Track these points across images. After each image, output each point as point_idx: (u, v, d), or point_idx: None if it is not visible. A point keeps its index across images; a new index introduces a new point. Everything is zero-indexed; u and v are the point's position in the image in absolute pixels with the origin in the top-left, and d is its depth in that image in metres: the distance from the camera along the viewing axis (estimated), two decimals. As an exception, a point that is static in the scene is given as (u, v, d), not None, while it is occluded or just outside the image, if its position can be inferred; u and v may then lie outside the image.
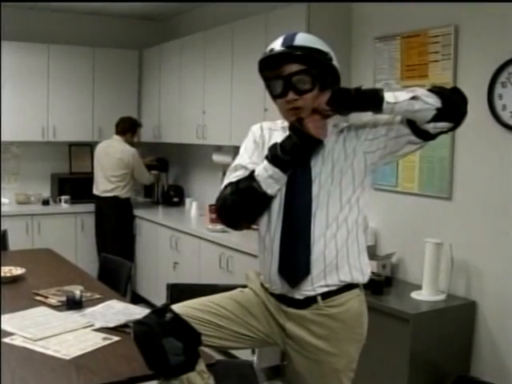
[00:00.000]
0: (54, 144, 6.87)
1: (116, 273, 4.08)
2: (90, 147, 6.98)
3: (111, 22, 7.20)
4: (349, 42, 4.56)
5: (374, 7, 4.38)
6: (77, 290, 3.29)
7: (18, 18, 6.59)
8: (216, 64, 5.52)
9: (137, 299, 6.25)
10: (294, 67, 2.20)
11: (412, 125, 2.22)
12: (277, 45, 2.25)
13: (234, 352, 4.21)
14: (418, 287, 3.85)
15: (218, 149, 5.81)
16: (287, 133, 2.30)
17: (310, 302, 2.29)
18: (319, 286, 2.27)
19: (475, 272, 3.74)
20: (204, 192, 6.44)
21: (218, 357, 2.72)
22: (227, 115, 5.34)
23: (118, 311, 3.17)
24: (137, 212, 6.47)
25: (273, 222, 2.33)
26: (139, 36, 7.29)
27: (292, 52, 2.22)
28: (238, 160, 2.42)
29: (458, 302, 3.73)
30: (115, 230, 6.30)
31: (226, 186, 2.36)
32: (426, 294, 3.75)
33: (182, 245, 5.50)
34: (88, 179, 6.54)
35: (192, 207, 6.08)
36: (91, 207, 6.49)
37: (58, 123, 6.68)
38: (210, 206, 5.59)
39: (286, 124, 2.38)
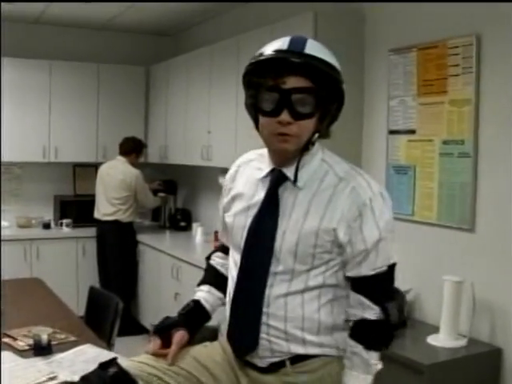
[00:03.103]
0: (58, 165, 6.57)
1: (103, 308, 3.74)
2: (94, 168, 6.64)
3: (116, 37, 6.91)
4: (361, 54, 4.17)
5: (388, 16, 3.99)
6: (44, 334, 2.92)
7: (18, 33, 6.30)
8: (221, 80, 5.19)
9: (140, 329, 5.92)
10: (299, 82, 1.73)
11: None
12: (279, 47, 1.77)
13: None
14: (436, 329, 3.41)
15: (225, 171, 5.40)
16: (260, 166, 1.96)
17: (276, 366, 1.89)
18: (280, 354, 1.88)
19: (501, 314, 3.29)
20: (211, 216, 6.06)
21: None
22: (232, 135, 4.98)
23: (90, 358, 2.80)
24: (141, 237, 6.13)
25: (235, 268, 1.96)
26: (146, 52, 6.98)
27: (305, 61, 1.73)
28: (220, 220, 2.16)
29: (480, 350, 3.27)
30: (117, 256, 5.98)
31: (215, 250, 2.26)
32: (443, 339, 3.31)
33: (183, 274, 5.13)
34: (92, 202, 6.23)
35: (197, 233, 5.71)
36: (93, 231, 6.18)
37: (60, 143, 6.38)
38: (215, 232, 5.22)
39: (263, 152, 1.97)
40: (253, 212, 1.91)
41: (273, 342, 1.86)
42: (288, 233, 1.83)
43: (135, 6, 5.73)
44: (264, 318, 1.85)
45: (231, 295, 1.94)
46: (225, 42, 5.17)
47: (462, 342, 3.28)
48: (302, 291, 1.84)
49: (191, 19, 6.33)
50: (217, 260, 2.20)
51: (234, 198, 2.01)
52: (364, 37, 4.17)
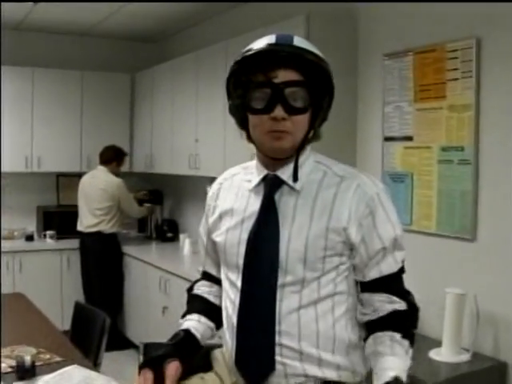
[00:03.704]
0: (41, 175, 6.39)
1: (90, 325, 3.58)
2: (78, 178, 6.44)
3: (100, 44, 6.73)
4: (354, 59, 4.05)
5: (382, 20, 3.87)
6: (27, 355, 2.75)
7: (-1, 40, 6.11)
8: (209, 86, 5.04)
9: (127, 343, 5.76)
10: (291, 75, 1.65)
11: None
12: (266, 42, 1.69)
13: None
14: (438, 343, 3.27)
15: (213, 180, 5.26)
16: (248, 177, 1.82)
17: None
18: (294, 379, 1.71)
19: (505, 327, 3.16)
20: (199, 227, 5.90)
21: None
22: (221, 143, 4.83)
23: (77, 382, 2.63)
24: (127, 249, 5.94)
25: (235, 285, 1.78)
26: (131, 58, 6.82)
27: (297, 52, 1.65)
28: (200, 244, 2.06)
29: (485, 364, 3.13)
30: (100, 268, 5.80)
31: (197, 280, 2.08)
32: (446, 354, 3.17)
33: (172, 287, 4.96)
34: (76, 212, 6.03)
35: (185, 244, 5.55)
36: (78, 243, 5.98)
37: (43, 152, 6.19)
38: (204, 243, 5.07)
39: (247, 164, 1.87)
40: (248, 225, 1.76)
41: (287, 365, 1.69)
42: (294, 239, 1.69)
43: (119, 12, 5.59)
44: (276, 338, 1.69)
45: (234, 320, 1.76)
46: (212, 47, 5.03)
47: (466, 357, 3.15)
48: (315, 302, 1.69)
49: (177, 25, 6.18)
50: (202, 289, 2.02)
51: (221, 216, 1.86)
52: (358, 41, 4.05)
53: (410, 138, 3.65)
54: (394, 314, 1.73)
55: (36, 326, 3.60)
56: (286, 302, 1.69)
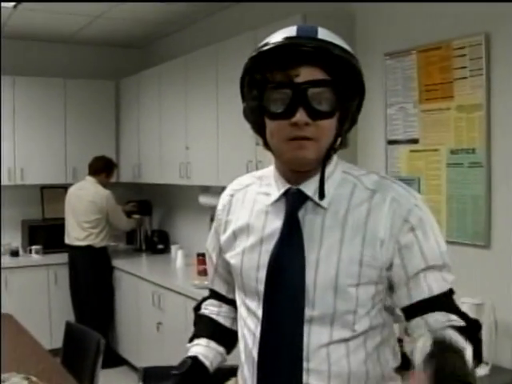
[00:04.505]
0: (24, 187, 6.17)
1: (83, 347, 3.38)
2: (64, 190, 6.22)
3: (83, 51, 6.54)
4: (353, 60, 3.87)
5: (381, 18, 3.71)
6: (19, 386, 2.56)
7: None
8: (199, 92, 4.86)
9: (119, 360, 5.56)
10: (315, 73, 1.42)
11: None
12: (286, 35, 1.45)
13: None
14: (453, 356, 3.11)
15: (206, 189, 5.11)
16: (265, 190, 1.61)
17: None
18: None
19: (525, 338, 3.01)
20: (191, 237, 5.73)
21: None
22: (213, 151, 4.66)
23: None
24: (116, 262, 5.74)
25: (255, 314, 1.57)
26: (115, 65, 6.63)
27: (321, 47, 1.41)
28: (208, 260, 1.84)
29: (505, 378, 2.97)
30: (90, 283, 5.60)
31: (204, 298, 1.86)
32: (464, 368, 3.01)
33: (166, 302, 4.76)
34: (63, 226, 5.83)
35: (178, 256, 5.35)
36: (65, 257, 5.78)
37: (26, 164, 5.99)
38: (198, 255, 4.88)
39: (262, 173, 1.66)
40: (268, 246, 1.53)
41: None
42: (322, 264, 1.47)
43: (102, 17, 5.40)
44: (304, 377, 1.47)
45: (254, 353, 1.55)
46: (201, 51, 4.86)
47: (484, 370, 2.97)
48: (347, 339, 1.48)
49: (162, 29, 6.01)
50: (210, 309, 1.81)
51: (235, 234, 1.63)
52: (356, 41, 3.86)
53: (415, 141, 3.49)
54: (453, 328, 1.42)
55: (26, 351, 3.41)
56: (315, 336, 1.48)
